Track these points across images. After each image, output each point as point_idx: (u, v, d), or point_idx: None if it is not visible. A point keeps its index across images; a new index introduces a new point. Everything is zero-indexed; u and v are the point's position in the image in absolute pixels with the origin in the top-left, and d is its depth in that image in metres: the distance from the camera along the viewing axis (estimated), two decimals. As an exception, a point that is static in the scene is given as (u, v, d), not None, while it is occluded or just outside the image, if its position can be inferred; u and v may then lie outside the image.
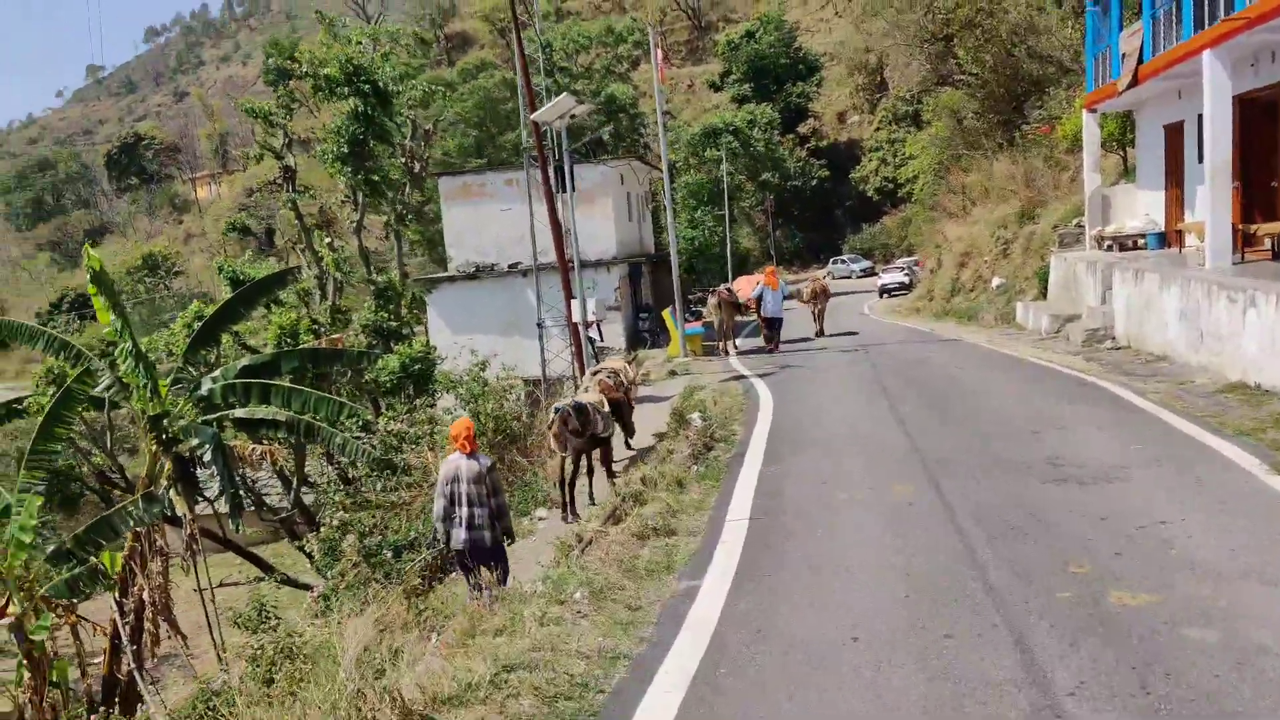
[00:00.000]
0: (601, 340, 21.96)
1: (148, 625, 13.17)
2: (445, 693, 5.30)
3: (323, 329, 26.21)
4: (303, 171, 36.33)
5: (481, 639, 6.18)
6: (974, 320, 24.82)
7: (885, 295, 41.09)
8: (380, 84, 28.25)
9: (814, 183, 62.30)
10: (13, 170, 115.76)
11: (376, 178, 30.21)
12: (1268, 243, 15.05)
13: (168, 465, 13.46)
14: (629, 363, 14.26)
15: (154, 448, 13.42)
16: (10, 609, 11.67)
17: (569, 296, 20.19)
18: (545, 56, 34.40)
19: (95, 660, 14.70)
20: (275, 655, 8.81)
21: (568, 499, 10.84)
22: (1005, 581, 6.43)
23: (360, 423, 15.83)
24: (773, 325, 22.38)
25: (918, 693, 5.07)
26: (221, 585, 20.18)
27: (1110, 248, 19.70)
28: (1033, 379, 14.78)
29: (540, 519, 11.80)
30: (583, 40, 54.23)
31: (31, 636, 11.52)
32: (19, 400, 16.04)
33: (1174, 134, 18.44)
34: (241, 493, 16.05)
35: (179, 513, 14.23)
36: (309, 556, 18.59)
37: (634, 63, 59.40)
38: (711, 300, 23.44)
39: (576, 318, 19.53)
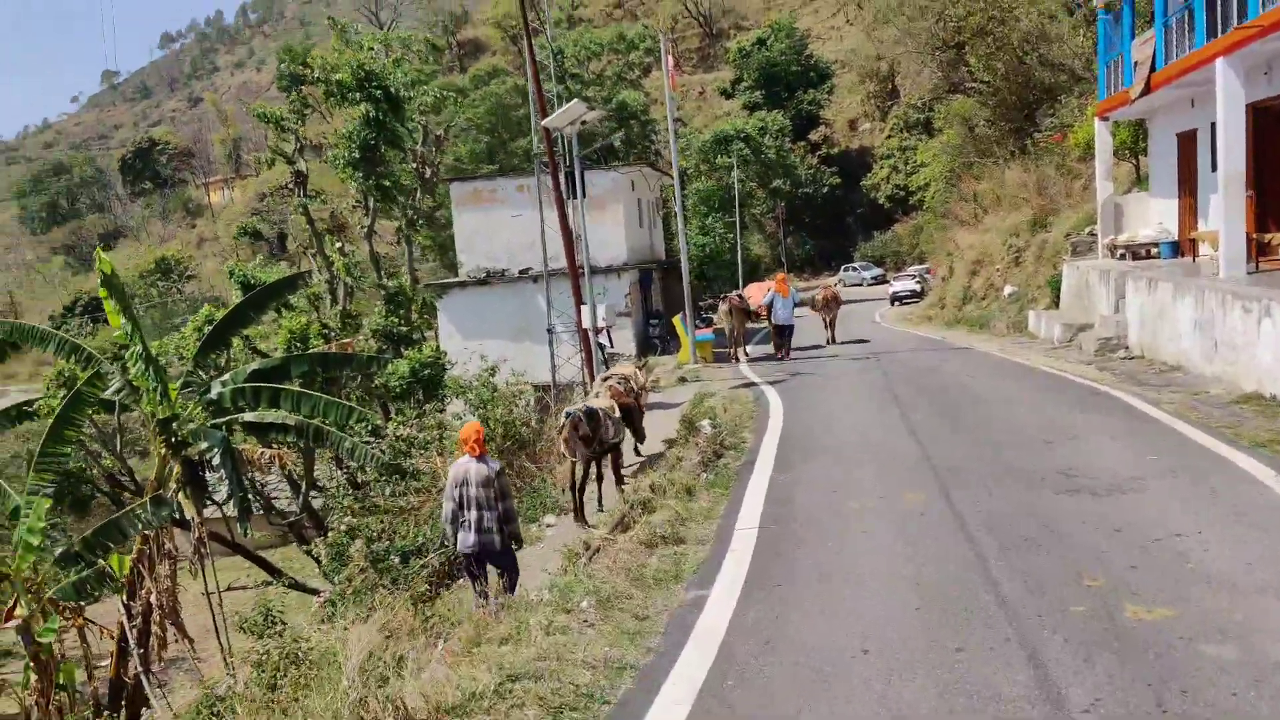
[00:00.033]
0: (611, 346, 21.90)
1: (155, 628, 13.18)
2: (449, 702, 5.24)
3: (333, 333, 26.25)
4: (315, 176, 36.44)
5: (487, 647, 6.13)
6: (986, 328, 24.69)
7: (896, 303, 40.98)
8: (392, 89, 28.30)
9: (825, 190, 62.30)
10: (28, 174, 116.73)
11: (388, 183, 30.25)
12: (1283, 252, 14.92)
13: (177, 468, 13.47)
14: (639, 368, 14.20)
15: (163, 451, 13.43)
16: (18, 611, 11.68)
17: (579, 302, 20.16)
18: (557, 63, 34.40)
19: (102, 663, 14.71)
20: (280, 661, 8.79)
21: (577, 504, 10.78)
22: (1018, 594, 6.34)
23: (369, 427, 15.80)
24: (783, 333, 22.31)
25: (929, 707, 4.99)
26: (229, 589, 20.18)
27: (1123, 256, 19.57)
28: (1045, 388, 14.66)
29: (549, 525, 11.74)
30: (594, 47, 54.27)
31: (39, 639, 11.53)
32: (29, 403, 16.07)
33: (1187, 142, 18.32)
34: (250, 497, 16.07)
35: (188, 516, 14.22)
36: (317, 561, 18.56)
37: (645, 70, 59.49)
38: (722, 307, 23.39)
39: (586, 324, 19.50)
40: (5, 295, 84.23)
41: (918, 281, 42.34)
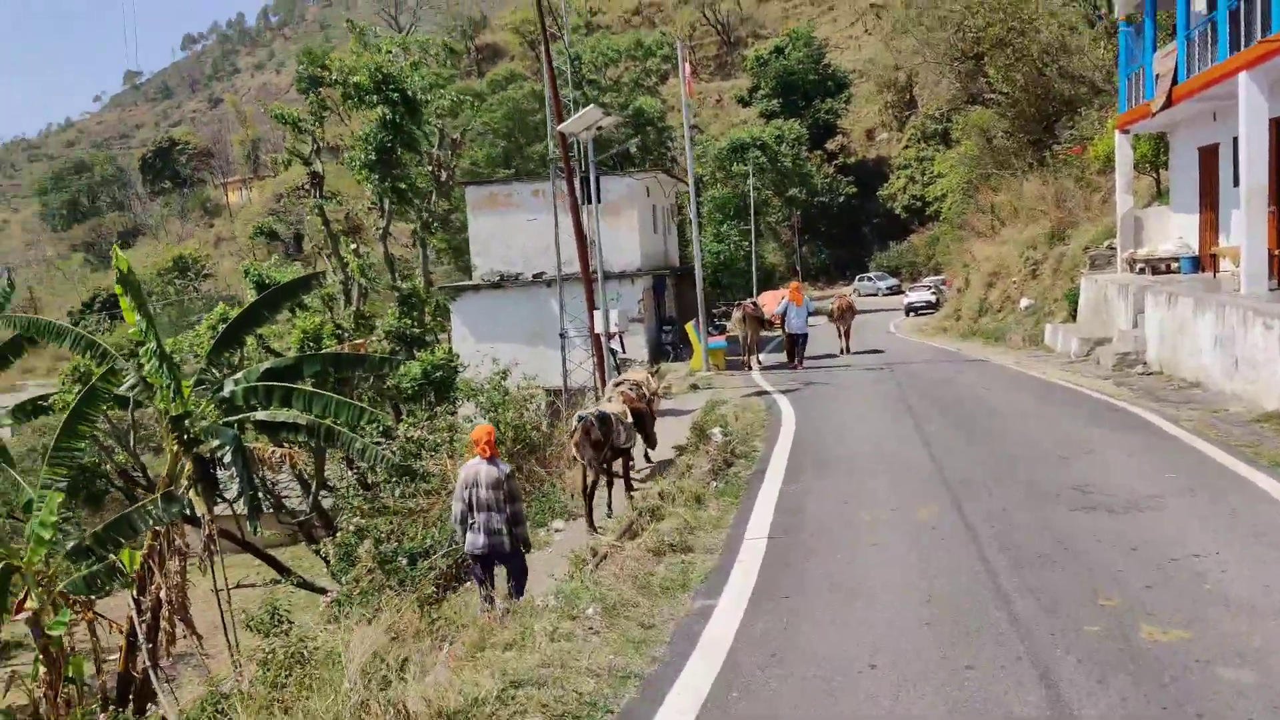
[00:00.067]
0: (623, 352, 21.87)
1: (164, 624, 13.20)
2: (451, 707, 5.19)
3: (346, 334, 26.35)
4: (331, 178, 36.62)
5: (490, 652, 6.07)
6: (1001, 341, 24.52)
7: (911, 314, 40.76)
8: (409, 93, 28.43)
9: (841, 199, 62.15)
10: (50, 172, 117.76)
11: (404, 185, 30.39)
12: (1306, 269, 14.74)
13: (188, 465, 13.50)
14: (651, 374, 14.13)
15: (175, 448, 13.47)
16: (29, 604, 11.72)
17: (591, 308, 20.13)
18: (574, 69, 34.47)
19: (111, 657, 14.75)
20: (286, 660, 8.76)
21: (589, 510, 10.72)
22: (1031, 611, 6.24)
23: (380, 428, 15.79)
24: (796, 341, 22.22)
25: (937, 725, 4.91)
26: (239, 586, 20.20)
27: (1142, 271, 19.39)
28: (1061, 402, 14.52)
29: (557, 530, 11.67)
30: (612, 54, 54.39)
31: (49, 632, 11.56)
32: (44, 397, 16.18)
33: (1208, 156, 18.15)
34: (260, 495, 16.07)
35: (198, 513, 14.26)
36: (325, 561, 18.56)
37: (663, 77, 59.56)
38: (736, 314, 23.30)
39: (599, 329, 19.46)
40: (26, 291, 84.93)
41: (933, 292, 42.12)
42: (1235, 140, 14.71)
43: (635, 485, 11.72)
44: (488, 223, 30.66)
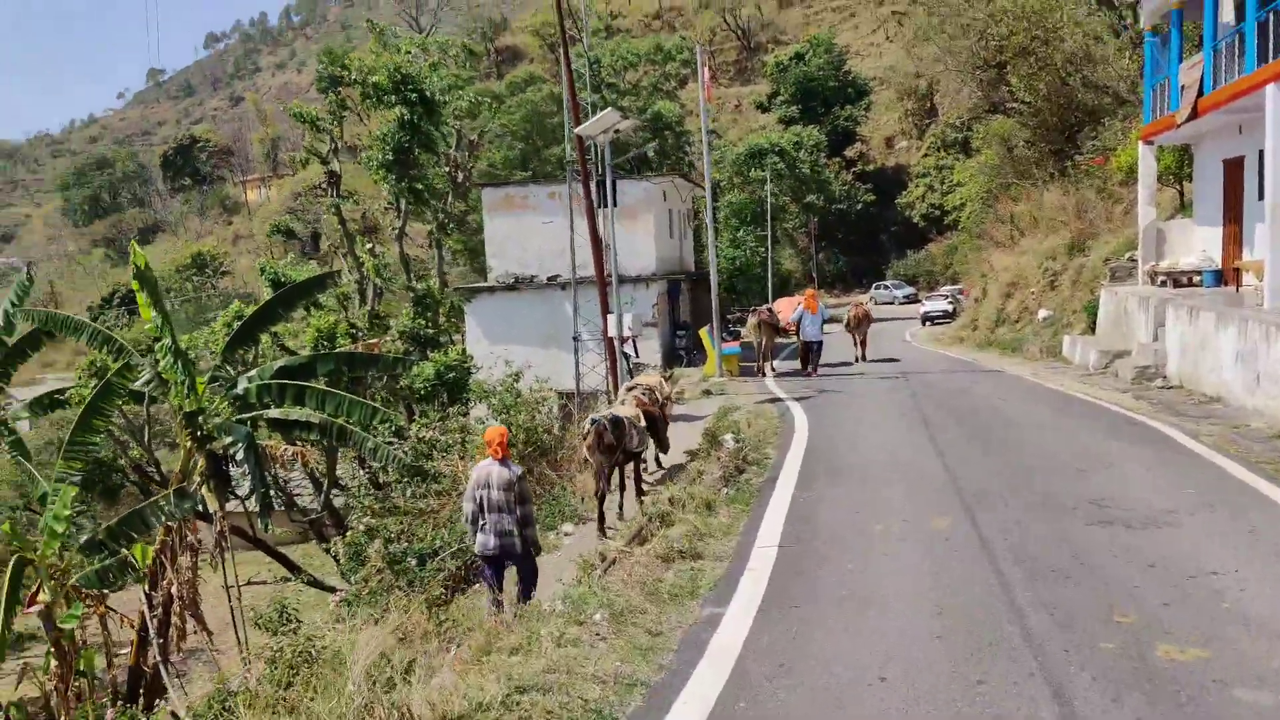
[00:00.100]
0: (637, 356, 21.80)
1: (175, 619, 13.22)
2: (455, 711, 5.15)
3: (360, 333, 26.44)
4: (349, 178, 36.78)
5: (496, 656, 6.02)
6: (1018, 352, 24.34)
7: (928, 323, 40.54)
8: (427, 93, 28.49)
9: (859, 207, 61.91)
10: (72, 167, 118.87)
11: (420, 186, 30.46)
12: (1330, 284, 14.51)
13: (201, 462, 13.52)
14: (665, 379, 14.08)
15: (189, 444, 13.49)
16: (41, 596, 11.76)
17: (606, 311, 20.08)
18: (593, 72, 34.48)
19: (122, 651, 14.80)
20: (293, 658, 8.74)
21: (601, 513, 10.68)
22: (1045, 627, 6.15)
23: (393, 428, 15.80)
24: (811, 349, 22.13)
25: (948, 741, 4.83)
26: (249, 583, 20.27)
27: (1164, 283, 19.20)
28: (1079, 415, 14.36)
29: (566, 534, 11.63)
30: (631, 57, 54.38)
31: (60, 625, 11.60)
32: (61, 391, 16.26)
33: (1234, 169, 17.95)
34: (272, 493, 16.10)
35: (210, 509, 14.29)
36: (336, 560, 18.60)
37: (682, 81, 59.52)
38: (751, 320, 23.22)
39: (613, 333, 19.42)
40: (47, 285, 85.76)
41: (950, 302, 41.87)
42: (1261, 153, 14.53)
43: (645, 490, 11.66)
44: (504, 224, 30.66)
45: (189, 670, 16.15)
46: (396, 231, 32.11)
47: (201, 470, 13.52)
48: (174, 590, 13.08)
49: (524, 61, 79.91)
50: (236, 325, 15.84)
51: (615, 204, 19.67)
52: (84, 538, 12.59)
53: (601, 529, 10.40)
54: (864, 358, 24.17)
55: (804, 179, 57.30)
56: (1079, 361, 20.44)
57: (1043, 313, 25.52)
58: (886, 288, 57.44)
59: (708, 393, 19.83)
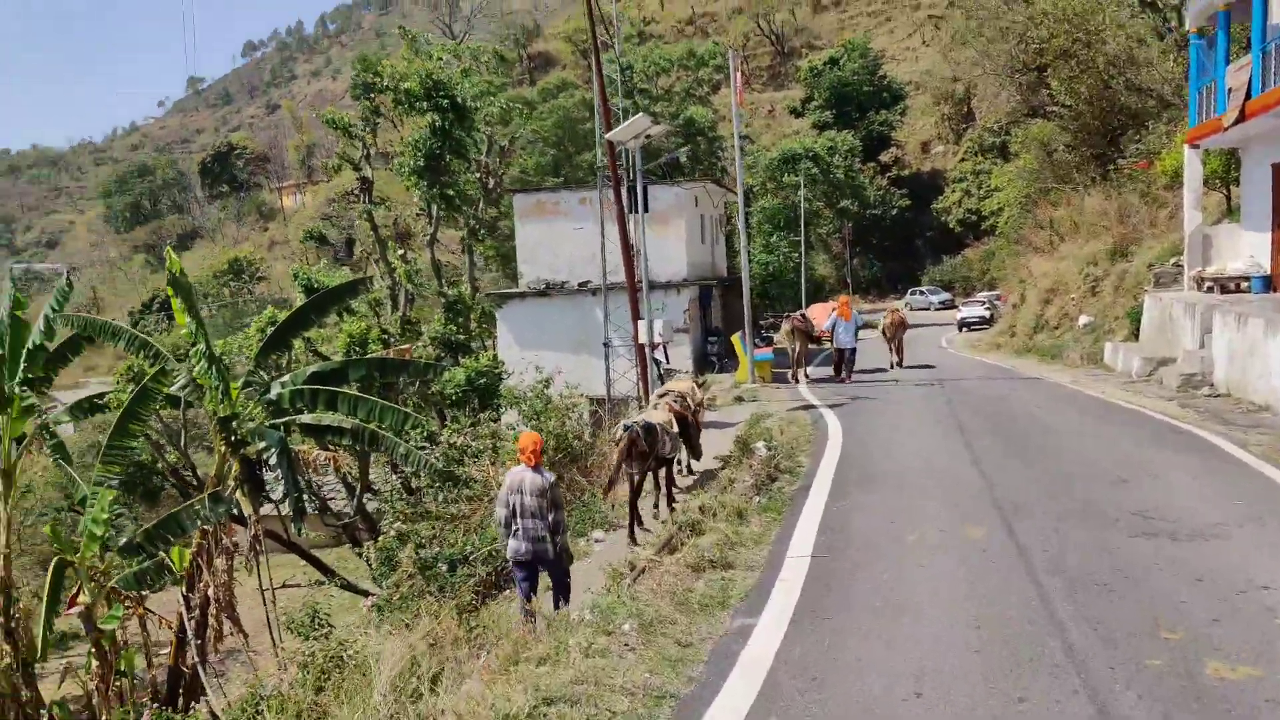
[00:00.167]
0: (668, 363, 21.71)
1: (211, 621, 13.34)
2: (482, 723, 5.08)
3: (392, 339, 26.60)
4: (383, 184, 37.05)
5: (524, 666, 5.94)
6: (1058, 359, 23.92)
7: (964, 329, 40.01)
8: (459, 100, 28.62)
9: (894, 212, 61.37)
10: (114, 175, 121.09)
11: (452, 192, 30.58)
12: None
13: (235, 466, 13.64)
14: (697, 385, 13.97)
15: (223, 448, 13.61)
16: (81, 598, 11.92)
17: (636, 317, 20.01)
18: (625, 78, 34.49)
19: (162, 651, 14.97)
20: (324, 663, 8.75)
21: (633, 521, 10.61)
22: (1087, 642, 5.95)
23: (424, 434, 15.83)
24: (844, 355, 21.93)
25: (987, 761, 4.67)
26: (284, 586, 20.39)
27: (1210, 289, 18.77)
28: (1121, 422, 14.05)
29: (597, 541, 11.56)
30: (664, 63, 54.37)
31: (101, 626, 11.74)
32: (100, 395, 16.49)
33: (1282, 172, 17.50)
34: (305, 497, 16.20)
35: (245, 513, 14.39)
36: (368, 563, 18.69)
37: (715, 86, 59.41)
38: (785, 327, 23.03)
39: (643, 339, 19.34)
40: (90, 290, 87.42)
41: (987, 308, 41.30)
42: (1311, 156, 14.14)
43: (675, 498, 11.57)
44: (535, 230, 30.71)
45: (227, 670, 16.27)
46: (428, 237, 32.29)
47: (236, 474, 13.63)
48: (210, 592, 13.20)
49: (556, 68, 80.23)
50: (270, 331, 15.95)
51: (646, 209, 19.58)
52: (123, 540, 12.73)
53: (632, 537, 10.32)
54: (900, 364, 23.90)
55: (838, 184, 56.94)
56: (1121, 369, 20.04)
57: (1083, 319, 25.05)
58: (922, 293, 56.82)
59: (740, 399, 19.66)
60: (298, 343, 21.95)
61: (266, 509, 15.93)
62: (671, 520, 10.01)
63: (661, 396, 12.69)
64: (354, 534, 24.94)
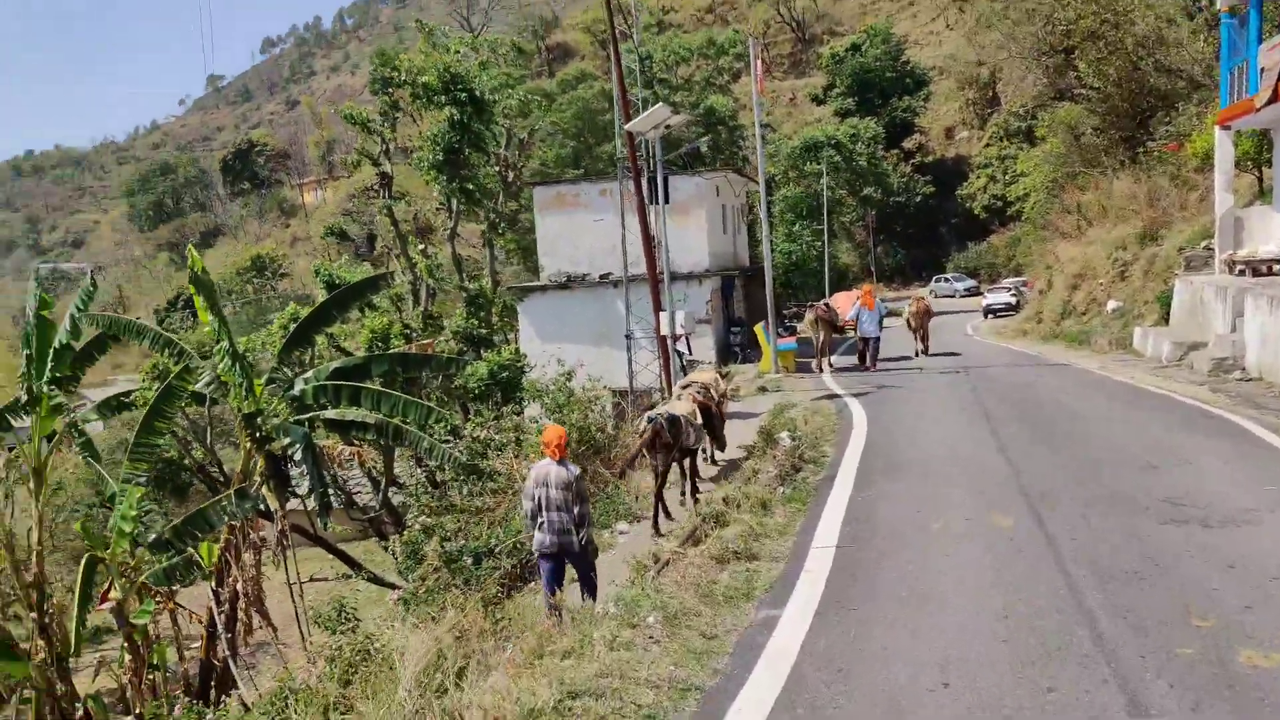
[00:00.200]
0: (690, 353, 21.64)
1: (241, 615, 13.49)
2: (507, 717, 5.08)
3: (414, 334, 26.69)
4: (402, 179, 37.12)
5: (549, 660, 5.94)
6: (1085, 345, 23.64)
7: (990, 316, 39.63)
8: (477, 93, 28.54)
9: (918, 199, 60.79)
10: (137, 174, 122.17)
11: (471, 186, 30.55)
12: None
13: (261, 462, 13.75)
14: (720, 376, 13.92)
15: (248, 445, 13.73)
16: (112, 594, 12.08)
17: (658, 309, 19.96)
18: (644, 68, 34.34)
19: (194, 645, 15.16)
20: (352, 657, 8.81)
21: (656, 512, 10.60)
22: (1117, 631, 5.87)
23: (448, 428, 15.88)
24: (869, 344, 21.79)
25: (1016, 753, 4.62)
26: (311, 580, 20.58)
27: (1242, 272, 18.45)
28: (1150, 408, 13.86)
29: (621, 533, 11.55)
30: (683, 52, 54.08)
31: (133, 621, 11.89)
32: (127, 393, 16.68)
33: (1316, 152, 17.15)
34: (330, 491, 16.31)
35: (271, 508, 14.53)
36: (394, 556, 18.83)
37: (735, 75, 59.04)
38: (809, 316, 22.90)
39: (665, 330, 19.28)
40: (115, 289, 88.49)
41: (1013, 294, 40.85)
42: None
43: (700, 490, 11.55)
44: (555, 223, 30.66)
45: (258, 663, 16.42)
46: (449, 232, 32.34)
47: (262, 470, 13.75)
48: (239, 587, 13.34)
49: (575, 59, 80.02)
50: (293, 327, 16.05)
51: (667, 200, 19.50)
52: (152, 536, 12.89)
53: (656, 528, 10.31)
54: (926, 351, 23.73)
55: (861, 172, 56.45)
56: (1151, 354, 19.78)
57: (1112, 304, 24.73)
58: (947, 280, 56.27)
59: (763, 389, 19.58)
60: (320, 339, 22.07)
61: (293, 504, 16.04)
62: (695, 512, 9.99)
63: (685, 388, 12.66)
64: (380, 527, 25.12)
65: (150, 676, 12.31)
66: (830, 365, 22.24)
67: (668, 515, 10.57)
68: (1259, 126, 20.13)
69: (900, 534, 8.30)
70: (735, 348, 29.67)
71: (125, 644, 12.18)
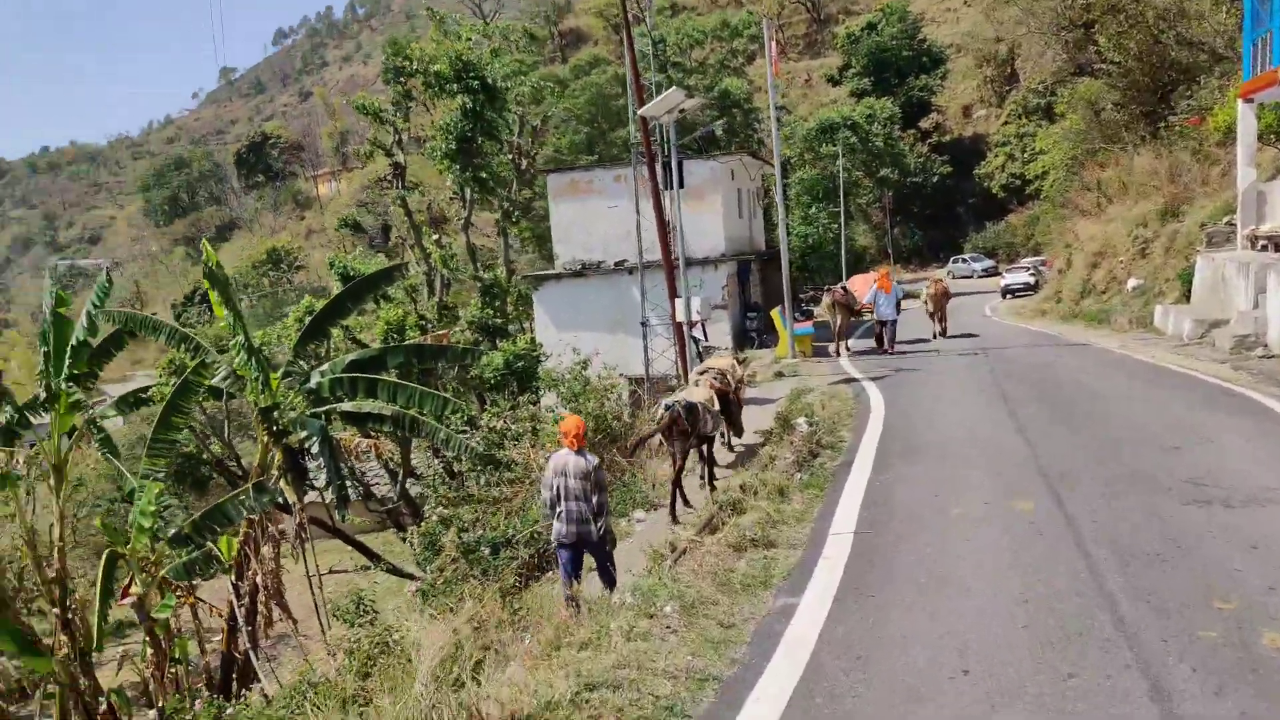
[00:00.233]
0: (706, 340, 21.56)
1: (261, 607, 13.59)
2: (524, 710, 5.06)
3: (430, 324, 26.73)
4: (416, 169, 37.08)
5: (566, 651, 5.93)
6: (1105, 324, 23.38)
7: (1009, 296, 39.27)
8: (489, 80, 28.42)
9: (935, 179, 60.20)
10: (151, 169, 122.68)
11: (485, 175, 30.46)
12: None
13: (278, 455, 13.82)
14: (737, 361, 13.85)
15: (265, 438, 13.79)
16: (133, 589, 12.19)
17: (673, 295, 19.87)
18: (658, 52, 34.08)
19: (215, 638, 15.31)
20: (370, 649, 8.86)
21: (674, 500, 10.57)
22: (1139, 615, 5.79)
23: (464, 418, 15.90)
24: (886, 327, 21.65)
25: (1037, 741, 4.56)
26: (330, 572, 20.73)
27: (1265, 248, 18.17)
28: (1171, 386, 13.69)
29: (639, 520, 11.54)
30: (697, 35, 53.67)
31: (154, 615, 12.00)
32: (145, 389, 16.79)
33: (1340, 123, 16.83)
34: (348, 484, 16.38)
35: (290, 501, 14.61)
36: (412, 547, 18.91)
37: (749, 57, 58.55)
38: (826, 300, 22.75)
39: (681, 317, 19.19)
40: (132, 285, 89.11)
41: (1032, 274, 40.44)
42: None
43: (716, 477, 11.51)
44: (569, 210, 30.53)
45: (279, 655, 16.58)
46: (463, 221, 32.30)
47: (279, 464, 13.81)
48: (259, 580, 13.44)
49: (588, 44, 79.59)
50: (308, 320, 16.08)
51: (682, 185, 19.38)
52: (172, 531, 12.99)
53: (674, 516, 10.28)
54: (944, 333, 23.55)
55: (877, 153, 55.95)
56: (1172, 332, 19.54)
57: (1132, 282, 24.44)
58: (965, 261, 55.79)
59: (780, 374, 19.49)
60: (336, 331, 22.12)
61: (311, 496, 16.12)
62: (712, 499, 9.96)
63: (702, 374, 12.60)
64: (398, 519, 25.24)
65: (172, 670, 12.44)
66: (848, 349, 22.11)
67: (686, 503, 10.54)
68: (1283, 99, 19.78)
69: (918, 518, 8.24)
70: (752, 333, 29.53)
71: (147, 638, 12.29)
